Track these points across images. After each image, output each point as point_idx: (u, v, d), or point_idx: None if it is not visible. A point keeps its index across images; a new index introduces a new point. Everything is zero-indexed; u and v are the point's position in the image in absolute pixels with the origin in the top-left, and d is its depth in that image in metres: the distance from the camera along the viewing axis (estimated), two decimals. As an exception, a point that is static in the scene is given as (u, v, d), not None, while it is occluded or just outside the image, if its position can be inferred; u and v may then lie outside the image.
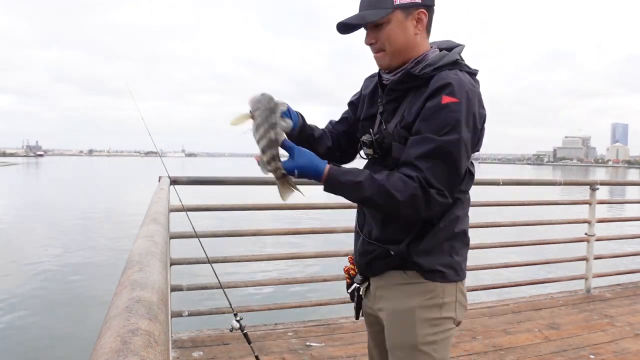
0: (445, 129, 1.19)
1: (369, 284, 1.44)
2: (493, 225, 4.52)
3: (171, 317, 2.79)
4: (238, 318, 1.98)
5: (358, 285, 1.45)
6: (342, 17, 1.31)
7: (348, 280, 1.50)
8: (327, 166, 1.24)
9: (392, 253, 1.32)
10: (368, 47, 1.35)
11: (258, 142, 1.24)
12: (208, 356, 2.79)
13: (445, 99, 1.19)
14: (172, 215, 2.70)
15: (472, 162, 1.35)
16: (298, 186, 1.30)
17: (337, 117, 1.60)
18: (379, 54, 1.31)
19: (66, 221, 15.35)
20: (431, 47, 1.34)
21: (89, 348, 0.57)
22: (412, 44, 1.29)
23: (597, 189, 4.37)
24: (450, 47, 1.34)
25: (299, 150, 1.24)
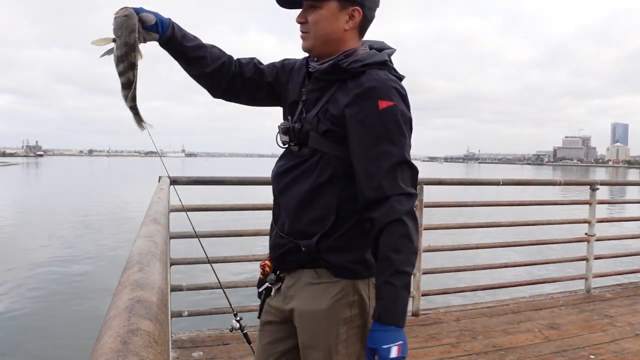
0: (391, 134, 1.22)
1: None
2: (493, 225, 4.53)
3: (171, 317, 2.78)
4: (238, 318, 1.98)
5: (270, 286, 1.41)
6: None
7: (261, 276, 1.44)
8: None
9: (303, 249, 1.30)
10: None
11: (116, 69, 1.26)
12: (208, 356, 2.79)
13: (382, 104, 1.21)
14: (172, 215, 2.70)
15: None
16: None
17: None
18: (304, 34, 1.31)
19: (66, 221, 15.35)
20: (362, 45, 1.34)
21: (89, 348, 0.57)
22: (338, 37, 1.29)
23: (597, 189, 4.38)
24: (381, 48, 1.34)
25: None
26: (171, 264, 2.85)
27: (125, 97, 1.31)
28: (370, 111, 1.21)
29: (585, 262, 4.41)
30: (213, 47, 1.42)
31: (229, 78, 1.42)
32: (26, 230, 14.09)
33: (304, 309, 1.32)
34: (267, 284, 1.41)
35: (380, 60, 1.28)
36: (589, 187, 4.44)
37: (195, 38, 1.38)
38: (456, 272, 4.18)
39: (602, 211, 4.67)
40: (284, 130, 1.33)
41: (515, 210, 6.13)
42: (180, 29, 1.34)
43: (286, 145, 1.36)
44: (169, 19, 1.33)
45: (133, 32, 1.23)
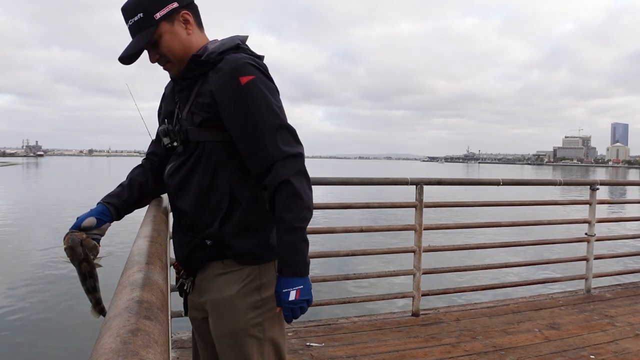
0: (259, 104, 1.29)
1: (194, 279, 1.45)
2: (493, 225, 4.53)
3: (171, 317, 2.78)
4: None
5: (183, 281, 1.46)
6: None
7: (177, 276, 1.52)
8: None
9: (208, 243, 1.34)
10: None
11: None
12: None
13: (243, 80, 1.28)
14: (172, 215, 2.69)
15: None
16: None
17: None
18: (167, 65, 1.39)
19: (66, 221, 15.32)
20: (211, 41, 1.42)
21: (89, 348, 0.57)
22: (189, 45, 1.37)
23: (597, 189, 4.37)
24: (243, 40, 1.42)
25: None
26: (171, 264, 2.84)
27: (90, 300, 1.55)
28: (235, 89, 1.29)
29: (585, 262, 4.41)
30: (138, 177, 1.54)
31: (160, 179, 1.54)
32: (26, 230, 14.09)
33: (213, 298, 1.38)
34: (181, 279, 1.48)
35: (232, 45, 1.36)
36: (589, 187, 4.43)
37: (131, 188, 1.51)
38: (456, 272, 4.18)
39: (602, 211, 4.67)
40: (163, 133, 1.41)
41: (515, 210, 6.13)
42: (119, 197, 1.48)
43: (170, 147, 1.42)
44: (104, 205, 1.45)
45: (83, 262, 1.43)
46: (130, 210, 1.52)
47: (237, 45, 1.36)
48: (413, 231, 3.68)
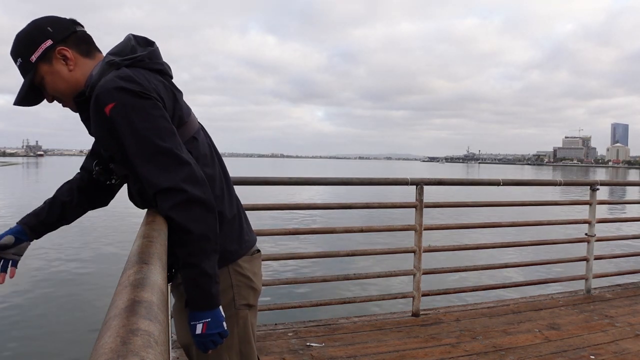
0: (125, 134, 1.18)
1: None
2: (493, 225, 4.53)
3: (171, 317, 2.78)
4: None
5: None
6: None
7: None
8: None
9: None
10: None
11: None
12: (208, 356, 2.78)
13: (107, 109, 1.17)
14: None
15: (194, 138, 1.33)
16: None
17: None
18: (63, 105, 1.34)
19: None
20: (99, 61, 1.32)
21: (89, 348, 0.57)
22: (74, 81, 1.29)
23: (598, 189, 4.37)
24: (118, 51, 1.30)
25: None
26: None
27: None
28: (104, 121, 1.20)
29: (585, 262, 4.41)
30: (62, 196, 1.55)
31: (89, 196, 1.56)
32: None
33: (176, 308, 1.41)
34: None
35: (103, 69, 1.26)
36: (589, 187, 4.43)
37: (51, 208, 1.52)
38: (456, 272, 4.19)
39: (602, 211, 4.66)
40: (97, 176, 1.43)
41: (515, 210, 6.14)
42: (37, 216, 1.50)
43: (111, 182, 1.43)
44: (20, 225, 1.47)
45: None
46: (49, 229, 1.51)
47: (107, 65, 1.25)
48: (413, 231, 3.68)
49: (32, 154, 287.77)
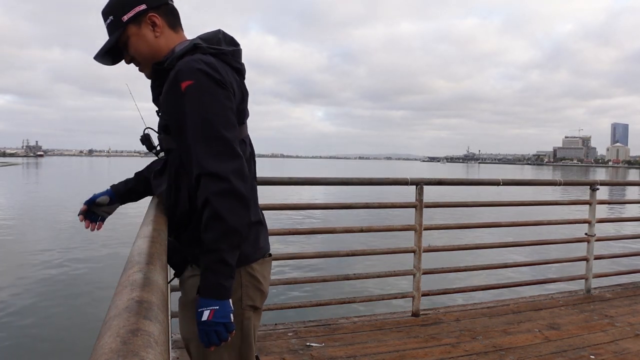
0: (194, 112, 1.23)
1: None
2: (493, 225, 4.53)
3: (171, 317, 2.78)
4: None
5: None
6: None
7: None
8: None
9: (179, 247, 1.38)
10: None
11: None
12: (208, 356, 2.78)
13: (184, 85, 1.24)
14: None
15: (243, 141, 1.36)
16: None
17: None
18: (139, 68, 1.41)
19: (66, 221, 15.34)
20: (185, 40, 1.39)
21: (89, 348, 0.57)
22: (157, 47, 1.37)
23: (597, 189, 4.38)
24: (207, 38, 1.36)
25: None
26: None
27: None
28: (177, 95, 1.26)
29: (585, 262, 4.41)
30: (145, 171, 1.61)
31: None
32: (26, 231, 14.09)
33: (182, 301, 1.43)
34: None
35: (189, 47, 1.31)
36: (589, 187, 4.44)
37: (137, 179, 1.61)
38: (456, 272, 4.18)
39: (602, 211, 4.67)
40: (141, 141, 1.45)
41: (515, 210, 6.14)
42: (126, 184, 1.61)
43: (154, 152, 1.47)
44: (111, 189, 1.59)
45: None
46: (134, 198, 1.60)
47: (194, 46, 1.31)
48: (413, 231, 3.68)
49: (32, 154, 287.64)
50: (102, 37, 1.37)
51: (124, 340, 0.55)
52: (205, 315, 1.19)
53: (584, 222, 4.45)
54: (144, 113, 1.50)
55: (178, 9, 1.43)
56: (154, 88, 1.40)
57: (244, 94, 1.37)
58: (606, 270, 5.18)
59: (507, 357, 2.90)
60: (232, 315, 1.22)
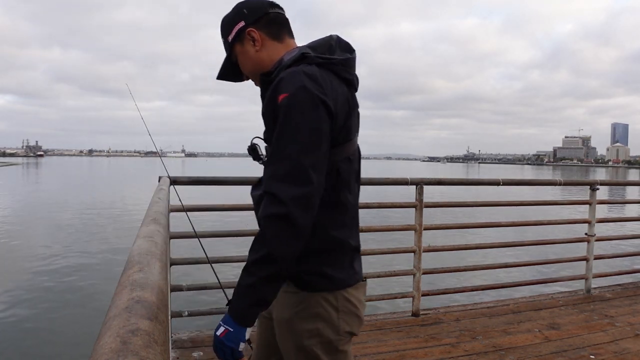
0: (282, 126, 1.17)
1: None
2: (493, 225, 4.53)
3: (171, 317, 2.78)
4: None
5: None
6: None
7: None
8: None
9: None
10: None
11: None
12: (208, 356, 2.78)
13: (280, 97, 1.18)
14: (172, 215, 2.70)
15: (348, 159, 1.30)
16: None
17: None
18: (255, 83, 1.41)
19: (66, 221, 15.35)
20: (293, 49, 1.34)
21: (89, 348, 0.57)
22: (258, 61, 1.35)
23: (597, 189, 4.37)
24: (315, 46, 1.31)
25: None
26: (171, 264, 2.85)
27: None
28: (274, 106, 1.21)
29: (585, 262, 4.41)
30: None
31: None
32: (26, 231, 14.09)
33: (276, 315, 1.36)
34: None
35: (296, 57, 1.26)
36: (589, 187, 4.43)
37: None
38: (456, 272, 4.18)
39: (602, 211, 4.66)
40: (248, 150, 1.38)
41: (515, 210, 6.13)
42: None
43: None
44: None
45: None
46: None
47: (301, 56, 1.25)
48: (413, 231, 3.68)
49: (32, 154, 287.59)
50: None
51: (124, 340, 0.55)
52: (220, 331, 1.18)
53: (584, 222, 4.45)
54: (144, 113, 1.49)
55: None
56: (262, 98, 1.35)
57: (350, 109, 1.28)
58: (606, 270, 5.18)
59: (507, 357, 2.90)
60: (242, 344, 1.19)
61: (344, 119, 1.25)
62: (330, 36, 1.35)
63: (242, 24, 1.33)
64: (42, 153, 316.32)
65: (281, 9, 1.39)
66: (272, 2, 1.37)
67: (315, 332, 1.29)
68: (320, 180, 1.18)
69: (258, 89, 1.41)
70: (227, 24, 1.37)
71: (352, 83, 1.31)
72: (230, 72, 1.41)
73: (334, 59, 1.27)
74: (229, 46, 1.37)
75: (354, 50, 1.35)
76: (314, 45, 1.30)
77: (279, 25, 1.36)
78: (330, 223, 1.28)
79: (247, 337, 1.19)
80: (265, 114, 1.26)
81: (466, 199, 4.40)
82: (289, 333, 1.31)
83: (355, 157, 1.34)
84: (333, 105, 1.20)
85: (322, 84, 1.19)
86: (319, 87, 1.18)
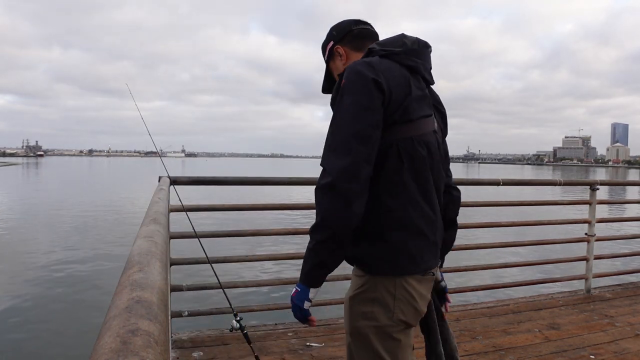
0: (338, 105, 1.31)
1: None
2: (493, 225, 4.53)
3: (171, 317, 2.78)
4: (238, 318, 1.98)
5: None
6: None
7: None
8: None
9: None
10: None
11: None
12: (208, 356, 2.78)
13: (343, 82, 1.32)
14: (172, 215, 2.70)
15: (411, 140, 1.31)
16: None
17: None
18: None
19: (66, 221, 15.35)
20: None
21: (89, 348, 0.57)
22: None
23: (597, 189, 4.37)
24: (382, 42, 1.42)
25: None
26: (171, 264, 2.85)
27: None
28: (336, 94, 1.35)
29: (585, 262, 4.40)
30: None
31: None
32: (26, 231, 14.09)
33: (346, 295, 1.44)
34: None
35: (365, 53, 1.41)
36: (589, 187, 4.43)
37: None
38: (456, 272, 4.18)
39: (602, 211, 4.66)
40: None
41: (515, 210, 6.14)
42: None
43: None
44: None
45: None
46: None
47: (369, 51, 1.39)
48: (413, 231, 3.68)
49: (32, 154, 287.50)
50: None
51: (124, 340, 0.55)
52: (293, 291, 1.36)
53: (584, 222, 4.45)
54: (144, 113, 1.49)
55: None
56: None
57: (412, 90, 1.32)
58: (606, 270, 5.18)
59: (507, 357, 2.90)
60: (306, 302, 1.33)
61: (401, 98, 1.30)
62: (401, 34, 1.44)
63: (331, 43, 1.53)
64: (42, 153, 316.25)
65: (367, 24, 1.55)
66: (357, 20, 1.55)
67: (370, 315, 1.33)
68: (366, 150, 1.25)
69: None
70: (323, 46, 1.58)
71: (415, 69, 1.37)
72: (332, 86, 1.49)
73: (394, 49, 1.36)
74: (326, 64, 1.58)
75: (424, 43, 1.44)
76: (381, 42, 1.42)
77: (363, 39, 1.52)
78: (392, 203, 1.31)
79: (310, 296, 1.32)
80: (332, 102, 1.38)
81: (466, 199, 4.39)
82: (347, 313, 1.40)
83: (423, 140, 1.33)
84: (385, 82, 1.28)
85: (375, 66, 1.30)
86: (372, 68, 1.29)
